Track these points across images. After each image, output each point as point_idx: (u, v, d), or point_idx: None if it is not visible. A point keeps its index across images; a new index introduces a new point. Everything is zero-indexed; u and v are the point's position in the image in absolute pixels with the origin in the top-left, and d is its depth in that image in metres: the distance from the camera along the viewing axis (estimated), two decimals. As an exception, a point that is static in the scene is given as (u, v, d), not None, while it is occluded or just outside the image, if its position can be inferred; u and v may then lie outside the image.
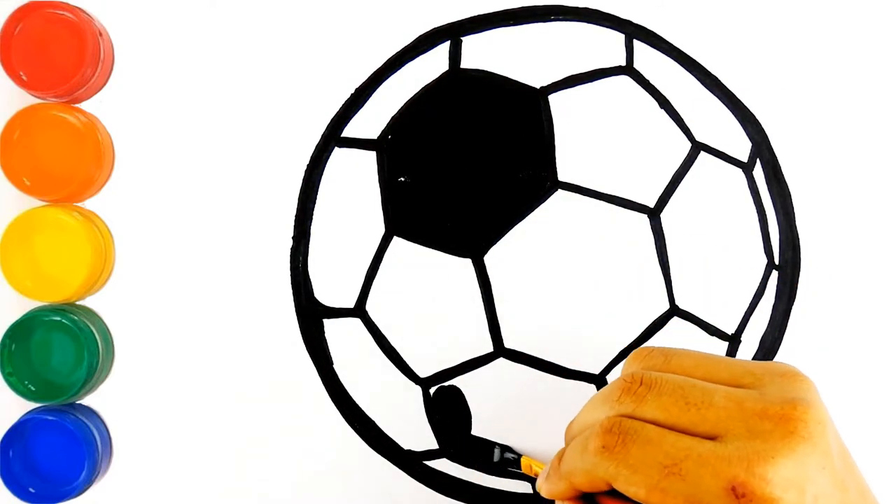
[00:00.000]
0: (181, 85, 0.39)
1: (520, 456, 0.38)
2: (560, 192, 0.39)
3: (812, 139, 0.40)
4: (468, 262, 0.39)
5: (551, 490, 0.30)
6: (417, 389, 0.39)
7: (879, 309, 0.40)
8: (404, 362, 0.39)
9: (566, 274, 0.39)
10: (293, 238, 0.39)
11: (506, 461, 0.39)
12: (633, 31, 0.40)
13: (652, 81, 0.40)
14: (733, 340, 0.40)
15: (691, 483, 0.25)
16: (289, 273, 0.39)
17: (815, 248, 0.40)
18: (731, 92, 0.40)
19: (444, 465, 0.39)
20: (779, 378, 0.27)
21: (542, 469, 0.32)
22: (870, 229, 0.40)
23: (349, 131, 0.39)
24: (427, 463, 0.39)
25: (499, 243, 0.39)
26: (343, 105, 0.39)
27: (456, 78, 0.39)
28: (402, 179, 0.39)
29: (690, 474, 0.25)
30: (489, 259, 0.39)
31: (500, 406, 0.39)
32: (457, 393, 0.39)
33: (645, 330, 0.39)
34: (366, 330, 0.39)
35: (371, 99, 0.39)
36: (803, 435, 0.25)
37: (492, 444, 0.39)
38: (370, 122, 0.39)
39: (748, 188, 0.40)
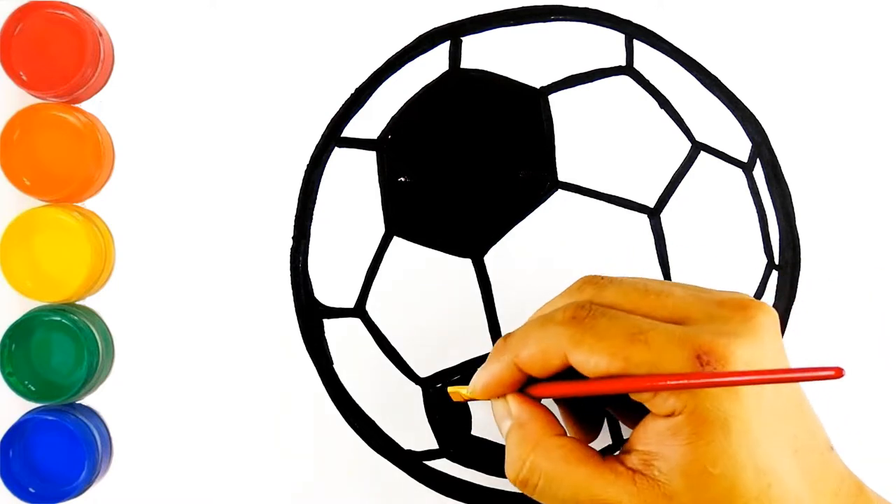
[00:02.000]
0: (181, 85, 0.39)
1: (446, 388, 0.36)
2: (560, 192, 0.39)
3: (812, 139, 0.40)
4: (468, 262, 0.39)
5: (489, 373, 0.29)
6: (417, 389, 0.39)
7: (879, 309, 0.40)
8: (404, 362, 0.39)
9: (566, 274, 0.39)
10: (293, 238, 0.39)
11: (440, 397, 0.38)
12: (632, 31, 0.40)
13: (652, 81, 0.40)
14: (733, 340, 0.40)
15: (656, 351, 0.25)
16: (289, 273, 0.39)
17: (815, 248, 0.40)
18: (731, 92, 0.40)
19: (444, 465, 0.39)
20: (728, 292, 0.27)
21: (465, 390, 0.31)
22: (870, 229, 0.40)
23: (349, 131, 0.39)
24: (427, 463, 0.39)
25: (499, 243, 0.39)
26: (343, 105, 0.39)
27: (456, 78, 0.39)
28: (402, 179, 0.39)
29: (656, 343, 0.25)
30: (489, 259, 0.39)
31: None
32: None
33: (645, 330, 0.39)
34: (366, 330, 0.39)
35: (371, 99, 0.39)
36: (762, 322, 0.25)
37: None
38: (370, 122, 0.39)
39: (748, 188, 0.40)
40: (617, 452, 0.27)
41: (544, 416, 0.28)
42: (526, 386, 0.29)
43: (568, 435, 0.28)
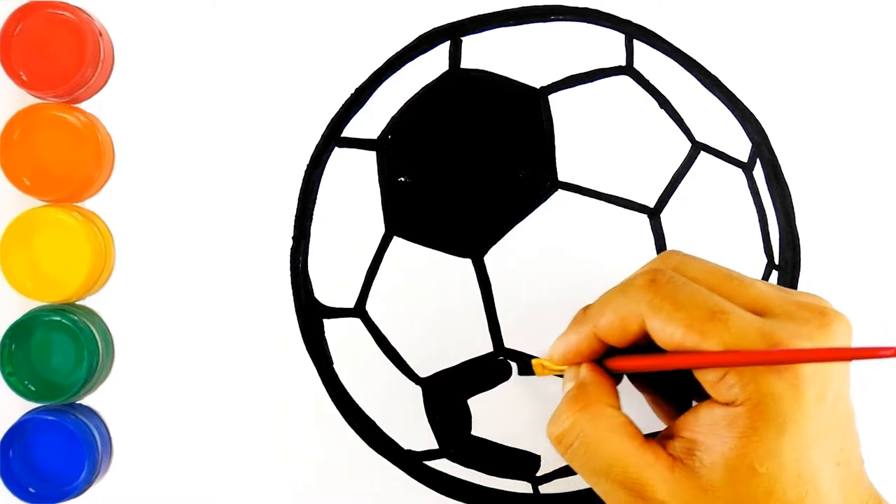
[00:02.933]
0: (181, 85, 0.39)
1: (530, 359, 0.35)
2: (560, 192, 0.39)
3: (812, 139, 0.40)
4: (468, 262, 0.39)
5: (563, 347, 0.28)
6: (417, 389, 0.39)
7: (879, 309, 0.40)
8: (404, 362, 0.39)
9: (566, 274, 0.39)
10: (293, 238, 0.39)
11: (524, 370, 0.38)
12: (633, 31, 0.40)
13: (652, 81, 0.40)
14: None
15: (734, 334, 0.24)
16: (289, 273, 0.39)
17: (815, 248, 0.40)
18: (731, 92, 0.40)
19: (444, 465, 0.39)
20: (807, 293, 0.27)
21: (551, 363, 0.30)
22: (870, 229, 0.40)
23: (349, 131, 0.39)
24: (427, 463, 0.39)
25: (499, 243, 0.39)
26: (343, 105, 0.39)
27: (456, 78, 0.39)
28: (402, 179, 0.39)
29: (735, 326, 0.24)
30: (489, 259, 0.39)
31: (500, 406, 0.39)
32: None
33: (645, 330, 0.39)
34: (366, 330, 0.39)
35: (371, 99, 0.39)
36: (837, 331, 0.25)
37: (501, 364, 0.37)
38: (370, 122, 0.39)
39: (748, 188, 0.40)
40: (659, 435, 0.27)
41: (606, 384, 0.28)
42: (604, 357, 0.28)
43: (621, 409, 0.28)
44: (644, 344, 0.27)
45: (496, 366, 0.38)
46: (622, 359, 0.28)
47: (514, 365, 0.38)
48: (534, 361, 0.33)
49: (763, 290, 0.26)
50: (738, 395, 0.24)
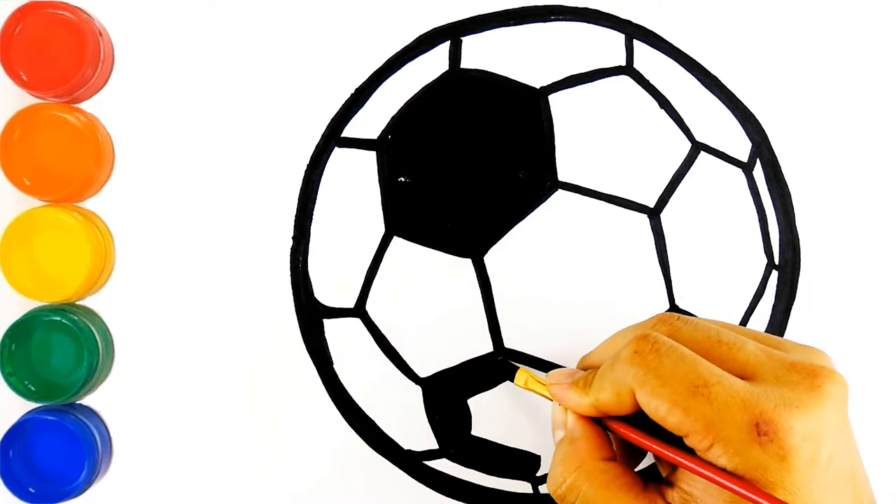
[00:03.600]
0: (181, 85, 0.39)
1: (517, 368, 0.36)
2: (560, 192, 0.39)
3: (812, 139, 0.40)
4: (468, 262, 0.39)
5: (570, 399, 0.29)
6: (417, 389, 0.39)
7: (879, 309, 0.40)
8: (404, 362, 0.39)
9: (566, 274, 0.39)
10: (293, 238, 0.39)
11: (504, 373, 0.38)
12: (632, 31, 0.40)
13: (652, 81, 0.40)
14: (733, 340, 0.40)
15: (717, 409, 0.24)
16: (289, 273, 0.39)
17: (815, 248, 0.40)
18: (731, 92, 0.40)
19: (444, 465, 0.39)
20: (803, 348, 0.27)
21: (538, 385, 0.31)
22: (870, 229, 0.40)
23: (349, 131, 0.39)
24: (427, 463, 0.39)
25: (499, 243, 0.39)
26: (343, 105, 0.39)
27: (456, 78, 0.39)
28: (402, 179, 0.39)
29: (718, 400, 0.25)
30: (489, 259, 0.39)
31: (500, 406, 0.39)
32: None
33: (645, 330, 0.39)
34: (366, 330, 0.39)
35: (371, 99, 0.39)
36: (829, 393, 0.25)
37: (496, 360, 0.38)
38: (370, 122, 0.39)
39: (748, 188, 0.40)
40: (661, 481, 0.27)
41: (597, 436, 0.29)
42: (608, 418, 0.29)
43: (615, 460, 0.28)
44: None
45: (499, 365, 0.38)
46: (621, 425, 0.29)
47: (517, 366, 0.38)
48: (522, 369, 0.34)
49: (752, 353, 0.26)
50: (726, 465, 0.25)
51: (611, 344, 0.30)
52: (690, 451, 0.26)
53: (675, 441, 0.27)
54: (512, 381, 0.36)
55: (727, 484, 0.24)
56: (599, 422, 0.29)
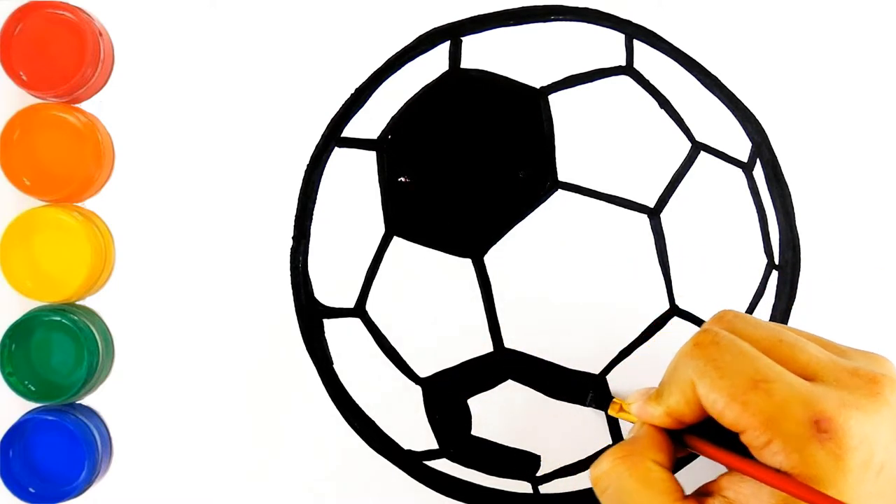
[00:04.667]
0: (181, 85, 0.39)
1: (611, 398, 0.35)
2: (560, 192, 0.39)
3: (812, 139, 0.40)
4: (468, 262, 0.39)
5: (645, 412, 0.29)
6: (417, 389, 0.39)
7: (879, 309, 0.40)
8: (404, 362, 0.39)
9: (566, 274, 0.39)
10: (293, 238, 0.39)
11: (597, 402, 0.37)
12: (633, 31, 0.40)
13: (652, 81, 0.40)
14: (733, 340, 0.40)
15: (777, 404, 0.24)
16: (289, 273, 0.39)
17: (815, 248, 0.40)
18: (731, 92, 0.40)
19: (444, 465, 0.39)
20: (864, 357, 0.27)
21: (626, 411, 0.31)
22: (870, 229, 0.40)
23: (349, 131, 0.39)
24: (427, 463, 0.39)
25: (499, 243, 0.39)
26: (343, 105, 0.39)
27: (456, 78, 0.39)
28: (402, 179, 0.39)
29: (778, 396, 0.24)
30: (489, 259, 0.39)
31: (500, 406, 0.39)
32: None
33: (645, 330, 0.39)
34: (366, 330, 0.39)
35: (371, 99, 0.39)
36: (888, 400, 0.25)
37: (585, 390, 0.37)
38: (370, 122, 0.39)
39: (748, 188, 0.40)
40: (697, 490, 0.27)
41: (658, 440, 0.28)
42: (684, 432, 0.29)
43: (667, 468, 0.28)
44: None
45: (593, 399, 0.38)
46: (698, 441, 0.28)
47: (591, 396, 0.38)
48: (615, 400, 0.33)
49: (814, 355, 0.26)
50: (782, 463, 0.24)
51: (671, 365, 0.29)
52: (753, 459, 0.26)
53: (743, 452, 0.26)
54: (605, 411, 0.36)
55: (790, 490, 0.24)
56: (679, 439, 0.29)
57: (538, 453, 0.39)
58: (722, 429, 0.26)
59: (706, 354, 0.26)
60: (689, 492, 0.27)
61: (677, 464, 0.32)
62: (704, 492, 0.27)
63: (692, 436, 0.28)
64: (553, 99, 0.39)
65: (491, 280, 0.39)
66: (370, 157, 0.39)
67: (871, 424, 0.24)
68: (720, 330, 0.27)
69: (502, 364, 0.39)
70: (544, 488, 0.39)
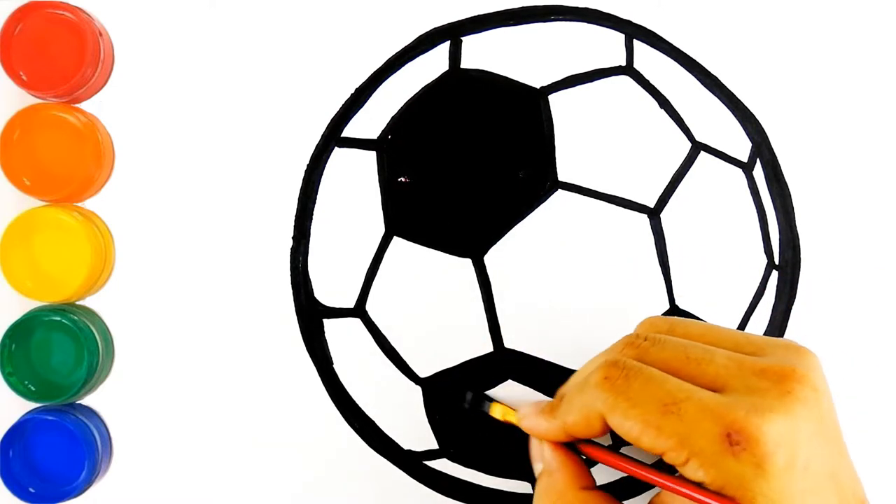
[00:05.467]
0: (181, 85, 0.39)
1: (491, 401, 0.37)
2: (560, 192, 0.39)
3: (812, 139, 0.40)
4: (468, 262, 0.39)
5: (538, 426, 0.30)
6: (417, 389, 0.39)
7: (879, 309, 0.40)
8: (404, 362, 0.39)
9: (566, 274, 0.39)
10: (293, 238, 0.39)
11: (475, 404, 0.38)
12: (633, 31, 0.40)
13: (652, 81, 0.40)
14: (733, 340, 0.40)
15: (688, 424, 0.25)
16: (289, 273, 0.39)
17: (815, 248, 0.40)
18: (731, 92, 0.40)
19: (444, 465, 0.39)
20: (782, 349, 0.27)
21: (513, 416, 0.32)
22: (870, 229, 0.40)
23: (349, 131, 0.39)
24: (427, 463, 0.39)
25: (499, 243, 0.39)
26: (343, 105, 0.39)
27: (456, 78, 0.39)
28: (402, 179, 0.39)
29: (688, 415, 0.25)
30: (489, 259, 0.39)
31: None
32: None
33: (645, 330, 0.39)
34: (366, 330, 0.39)
35: (371, 99, 0.39)
36: (799, 397, 0.25)
37: (462, 391, 0.38)
38: (370, 122, 0.39)
39: (748, 188, 0.40)
40: None
41: (574, 466, 0.29)
42: (577, 441, 0.29)
43: (595, 488, 0.28)
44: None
45: (473, 398, 0.38)
46: (594, 449, 0.29)
47: (470, 397, 0.38)
48: (494, 404, 0.34)
49: (721, 365, 0.26)
50: (704, 478, 0.25)
51: (583, 371, 0.30)
52: (671, 470, 0.26)
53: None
54: (487, 411, 0.36)
55: (701, 498, 0.24)
56: (574, 448, 0.29)
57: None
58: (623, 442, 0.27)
59: (615, 388, 0.26)
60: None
61: None
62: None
63: (591, 446, 0.29)
64: (553, 99, 0.39)
65: (491, 280, 0.39)
66: (370, 157, 0.39)
67: (786, 424, 0.24)
68: (627, 360, 0.27)
69: (502, 364, 0.39)
70: (544, 488, 0.39)
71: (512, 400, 0.38)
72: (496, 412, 0.34)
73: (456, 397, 0.38)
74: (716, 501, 0.24)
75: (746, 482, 0.24)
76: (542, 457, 0.30)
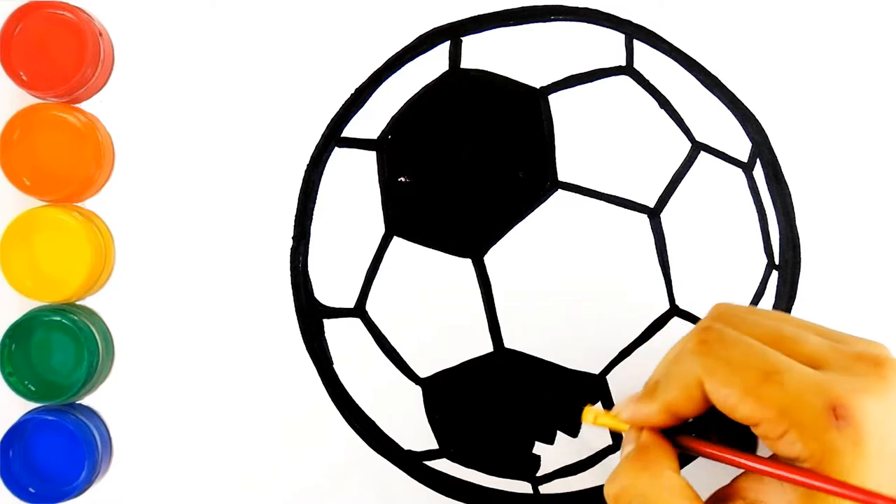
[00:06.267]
0: (181, 85, 0.39)
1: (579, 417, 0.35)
2: (560, 192, 0.39)
3: (812, 139, 0.40)
4: (468, 262, 0.39)
5: (639, 412, 0.28)
6: (417, 389, 0.39)
7: (879, 309, 0.40)
8: (404, 362, 0.39)
9: (566, 274, 0.39)
10: (293, 238, 0.39)
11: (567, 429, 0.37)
12: (632, 31, 0.40)
13: (652, 81, 0.40)
14: (733, 340, 0.39)
15: (791, 394, 0.24)
16: (289, 273, 0.39)
17: (815, 248, 0.40)
18: (731, 92, 0.40)
19: (444, 465, 0.39)
20: (863, 341, 0.27)
21: (608, 418, 0.30)
22: (870, 229, 0.40)
23: (349, 131, 0.39)
24: (427, 463, 0.39)
25: (499, 243, 0.39)
26: (343, 105, 0.39)
27: (456, 78, 0.39)
28: (402, 179, 0.39)
29: (791, 386, 0.24)
30: (489, 259, 0.39)
31: (500, 406, 0.39)
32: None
33: (645, 330, 0.39)
34: (366, 330, 0.39)
35: (371, 99, 0.39)
36: (894, 384, 0.25)
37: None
38: (370, 122, 0.39)
39: (748, 188, 0.40)
40: (712, 497, 0.27)
41: (666, 448, 0.28)
42: (674, 433, 0.28)
43: (680, 474, 0.27)
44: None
45: (563, 420, 0.38)
46: (693, 440, 0.28)
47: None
48: (587, 409, 0.33)
49: (816, 345, 0.26)
50: (800, 452, 0.24)
51: (670, 352, 0.29)
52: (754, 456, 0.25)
53: (746, 447, 0.26)
54: (578, 424, 0.36)
55: (812, 483, 0.24)
56: (672, 440, 0.28)
57: (538, 453, 0.39)
58: (713, 426, 0.26)
59: (713, 351, 0.26)
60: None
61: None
62: (722, 497, 0.27)
63: (690, 438, 0.28)
64: (553, 99, 0.39)
65: (491, 280, 0.39)
66: (370, 157, 0.39)
67: (883, 407, 0.24)
68: (723, 326, 0.26)
69: (502, 364, 0.39)
70: (544, 488, 0.39)
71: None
72: (588, 417, 0.31)
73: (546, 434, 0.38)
74: (820, 482, 0.23)
75: (843, 458, 0.24)
76: (636, 438, 0.28)
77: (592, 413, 0.31)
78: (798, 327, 0.27)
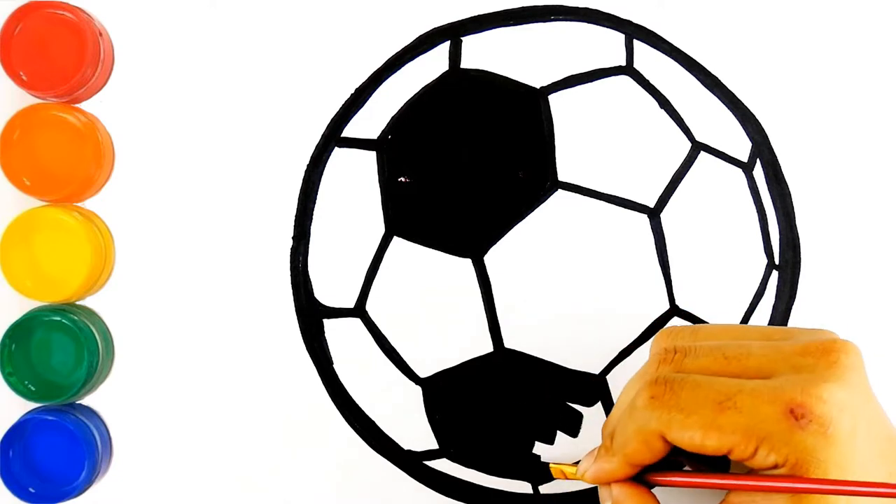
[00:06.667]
0: (181, 85, 0.39)
1: (546, 464, 0.37)
2: (560, 192, 0.39)
3: (812, 139, 0.40)
4: (468, 262, 0.39)
5: (601, 470, 0.29)
6: (417, 389, 0.39)
7: (879, 309, 0.40)
8: (404, 362, 0.39)
9: (566, 274, 0.39)
10: (293, 238, 0.39)
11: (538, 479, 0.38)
12: (633, 31, 0.40)
13: (652, 81, 0.40)
14: (733, 340, 0.40)
15: (748, 414, 0.25)
16: (289, 273, 0.39)
17: (815, 248, 0.40)
18: (731, 92, 0.40)
19: (444, 465, 0.39)
20: (808, 332, 0.27)
21: (571, 469, 0.31)
22: (870, 229, 0.40)
23: (349, 131, 0.39)
24: (427, 463, 0.39)
25: (499, 243, 0.39)
26: (343, 105, 0.39)
27: (456, 78, 0.39)
28: (402, 179, 0.39)
29: (746, 406, 0.25)
30: (489, 259, 0.39)
31: (500, 406, 0.39)
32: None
33: (645, 330, 0.39)
34: (366, 330, 0.39)
35: (371, 99, 0.39)
36: (846, 364, 0.25)
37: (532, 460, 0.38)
38: (370, 122, 0.39)
39: (748, 188, 0.40)
40: None
41: (643, 496, 0.28)
42: (642, 473, 0.28)
43: None
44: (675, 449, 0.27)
45: (534, 468, 0.38)
46: (662, 475, 0.28)
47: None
48: (552, 466, 0.33)
49: (760, 355, 0.27)
50: (776, 460, 0.24)
51: (623, 400, 0.29)
52: (726, 472, 0.26)
53: (718, 467, 0.26)
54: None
55: (793, 486, 0.24)
56: (642, 480, 0.29)
57: (538, 453, 0.39)
58: (682, 453, 0.27)
59: (664, 404, 0.26)
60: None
61: None
62: None
63: (664, 473, 0.28)
64: (553, 99, 0.39)
65: (491, 280, 0.39)
66: (370, 157, 0.39)
67: (843, 391, 0.25)
68: (668, 373, 0.27)
69: (502, 364, 0.39)
70: (544, 488, 0.39)
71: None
72: (557, 475, 0.33)
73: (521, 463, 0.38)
74: (801, 483, 0.24)
75: (818, 452, 0.24)
76: (611, 496, 0.29)
77: (559, 470, 0.32)
78: (740, 339, 0.28)
